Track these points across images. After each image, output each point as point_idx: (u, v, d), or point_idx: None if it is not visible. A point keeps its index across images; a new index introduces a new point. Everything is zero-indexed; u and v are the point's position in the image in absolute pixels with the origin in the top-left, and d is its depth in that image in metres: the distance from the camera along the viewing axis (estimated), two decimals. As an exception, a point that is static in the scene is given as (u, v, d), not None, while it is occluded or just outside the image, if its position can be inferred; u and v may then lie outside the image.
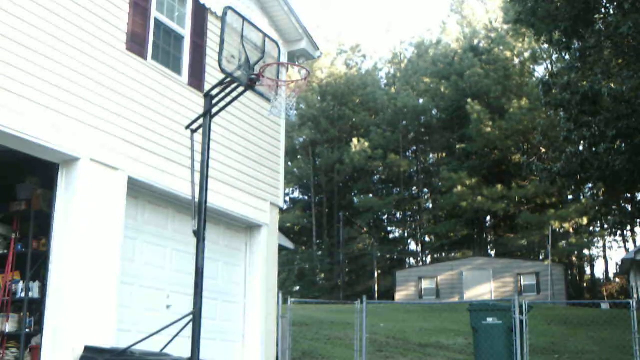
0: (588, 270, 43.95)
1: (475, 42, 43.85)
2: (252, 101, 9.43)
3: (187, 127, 6.85)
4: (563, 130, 18.15)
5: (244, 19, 6.39)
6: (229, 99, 6.79)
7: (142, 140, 7.64)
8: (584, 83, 16.64)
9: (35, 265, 7.23)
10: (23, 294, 7.26)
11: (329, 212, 45.52)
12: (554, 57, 36.04)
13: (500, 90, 38.91)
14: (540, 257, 36.99)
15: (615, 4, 16.02)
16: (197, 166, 6.46)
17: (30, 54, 6.43)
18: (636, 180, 17.02)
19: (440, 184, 42.04)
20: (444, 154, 45.02)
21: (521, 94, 37.67)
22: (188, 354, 5.94)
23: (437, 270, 33.72)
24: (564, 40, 17.41)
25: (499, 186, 36.98)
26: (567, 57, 18.74)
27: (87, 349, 6.47)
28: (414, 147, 47.05)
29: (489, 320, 11.55)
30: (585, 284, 41.90)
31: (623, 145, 15.77)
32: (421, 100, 43.58)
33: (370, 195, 45.24)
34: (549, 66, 38.29)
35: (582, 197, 34.32)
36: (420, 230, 46.16)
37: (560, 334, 17.58)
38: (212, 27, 9.00)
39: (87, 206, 6.87)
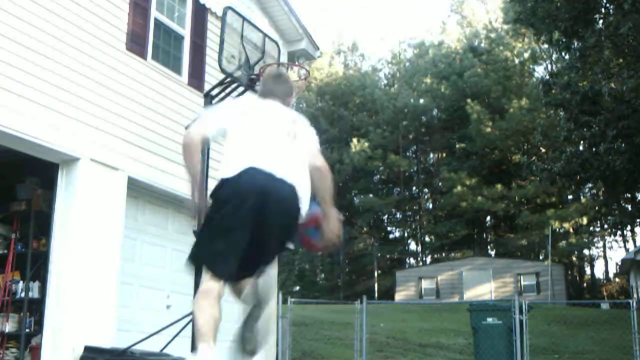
0: (588, 270, 43.93)
1: (475, 42, 43.82)
2: (252, 101, 9.43)
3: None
4: (563, 130, 18.13)
5: (244, 19, 6.39)
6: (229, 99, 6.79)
7: (142, 140, 7.64)
8: (584, 83, 16.64)
9: (35, 265, 7.23)
10: (23, 294, 7.25)
11: (328, 212, 45.42)
12: (554, 57, 36.03)
13: (500, 91, 38.88)
14: (540, 257, 36.95)
15: (615, 4, 16.01)
16: (197, 166, 6.46)
17: (30, 54, 6.43)
18: (636, 180, 17.03)
19: (440, 184, 42.01)
20: (444, 154, 44.97)
21: (521, 94, 37.65)
22: (188, 354, 5.94)
23: (437, 270, 33.69)
24: (564, 40, 17.41)
25: (499, 186, 36.95)
26: (567, 57, 18.73)
27: (87, 349, 6.46)
28: (414, 147, 47.01)
29: (489, 320, 11.54)
30: (585, 284, 41.87)
31: (623, 145, 15.77)
32: (421, 100, 43.55)
33: (371, 195, 45.18)
34: (549, 66, 38.27)
35: (582, 197, 34.31)
36: (420, 230, 46.12)
37: (560, 334, 17.57)
38: (212, 27, 9.00)
39: (87, 206, 6.87)
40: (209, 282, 3.01)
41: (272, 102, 3.50)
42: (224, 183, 3.08)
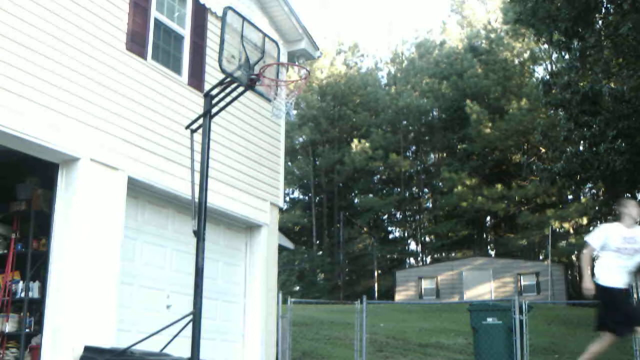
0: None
1: (476, 42, 43.81)
2: (252, 101, 9.43)
3: (187, 127, 6.85)
4: (563, 130, 18.11)
5: (244, 19, 6.39)
6: (229, 99, 6.79)
7: (142, 140, 7.64)
8: (584, 83, 16.63)
9: (35, 265, 7.23)
10: (23, 294, 7.26)
11: (329, 212, 45.48)
12: (554, 57, 36.01)
13: (500, 91, 38.88)
14: (540, 257, 36.95)
15: (615, 4, 16.01)
16: (197, 166, 6.46)
17: (30, 54, 6.43)
18: (636, 180, 17.01)
19: (440, 184, 42.03)
20: (445, 154, 44.98)
21: (521, 94, 37.62)
22: (188, 354, 5.94)
23: (437, 270, 33.70)
24: (564, 40, 17.40)
25: (499, 186, 36.95)
26: (567, 57, 18.72)
27: (87, 349, 6.47)
28: (415, 147, 47.01)
29: (489, 320, 11.54)
30: (585, 284, 41.79)
31: (623, 145, 15.76)
32: (422, 101, 43.53)
33: (371, 195, 45.18)
34: (549, 66, 38.24)
35: (582, 197, 34.29)
36: (420, 230, 46.12)
37: (560, 334, 17.57)
38: (212, 27, 9.00)
39: (87, 206, 6.87)
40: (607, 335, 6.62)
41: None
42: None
